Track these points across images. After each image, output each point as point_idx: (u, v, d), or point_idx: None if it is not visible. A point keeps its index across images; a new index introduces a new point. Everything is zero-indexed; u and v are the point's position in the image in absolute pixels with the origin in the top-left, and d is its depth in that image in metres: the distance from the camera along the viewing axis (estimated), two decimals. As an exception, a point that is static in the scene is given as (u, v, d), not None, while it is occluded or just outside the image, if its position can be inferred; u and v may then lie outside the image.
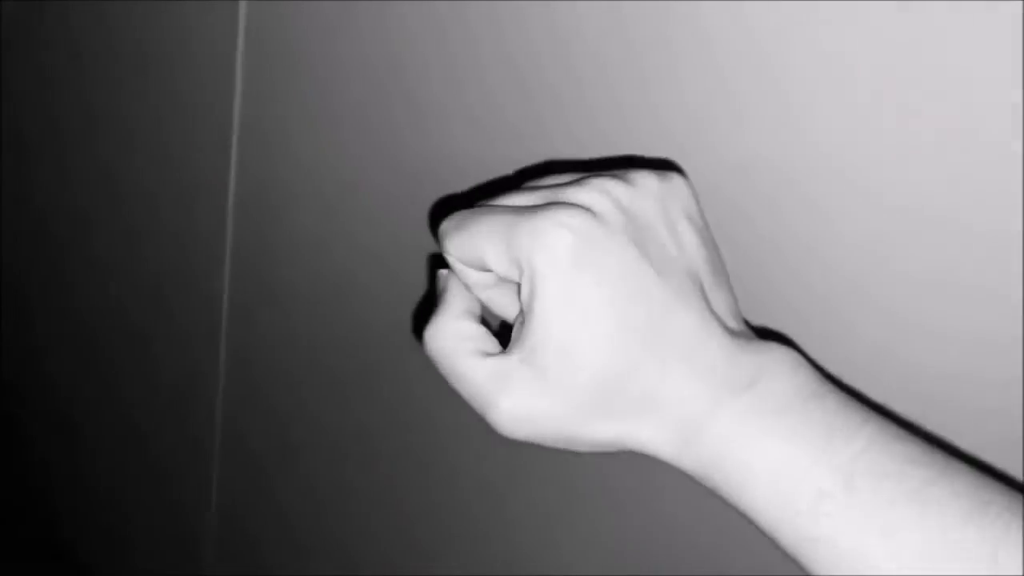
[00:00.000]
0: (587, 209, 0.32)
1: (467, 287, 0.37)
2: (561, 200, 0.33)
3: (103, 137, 0.77)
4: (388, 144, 0.57)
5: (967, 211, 0.37)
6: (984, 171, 0.36)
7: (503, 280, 0.36)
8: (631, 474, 0.53)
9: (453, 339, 0.35)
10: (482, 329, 0.36)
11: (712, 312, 0.33)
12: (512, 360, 0.33)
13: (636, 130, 0.45)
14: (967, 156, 0.36)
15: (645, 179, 0.34)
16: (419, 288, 0.59)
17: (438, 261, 0.38)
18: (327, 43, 0.57)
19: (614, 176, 0.34)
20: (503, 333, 0.36)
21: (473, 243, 0.34)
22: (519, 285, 0.33)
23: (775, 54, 0.39)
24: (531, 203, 0.34)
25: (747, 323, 0.37)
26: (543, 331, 0.32)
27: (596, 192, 0.33)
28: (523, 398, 0.32)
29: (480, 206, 0.36)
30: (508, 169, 0.51)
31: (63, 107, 0.80)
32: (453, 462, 0.64)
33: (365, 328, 0.65)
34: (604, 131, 0.46)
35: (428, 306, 0.47)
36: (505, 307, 0.38)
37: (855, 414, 0.31)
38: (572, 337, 0.31)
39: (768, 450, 0.30)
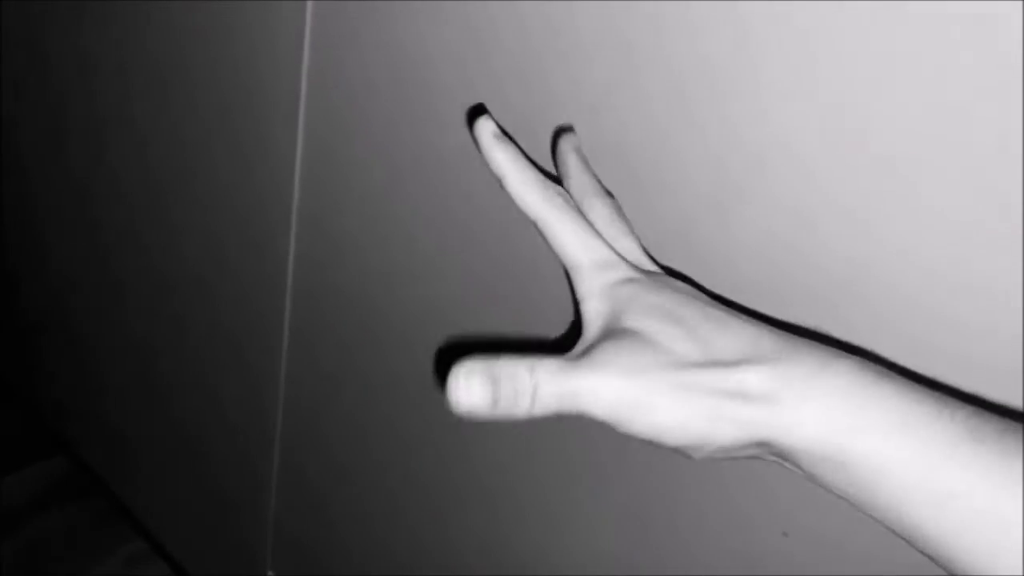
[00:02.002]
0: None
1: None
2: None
3: (176, 115, 0.81)
4: (447, 133, 0.57)
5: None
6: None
7: None
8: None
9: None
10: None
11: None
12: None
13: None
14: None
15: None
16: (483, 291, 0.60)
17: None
18: (393, 39, 0.57)
19: None
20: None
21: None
22: None
23: (805, 53, 0.39)
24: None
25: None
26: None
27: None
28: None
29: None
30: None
31: (141, 89, 0.83)
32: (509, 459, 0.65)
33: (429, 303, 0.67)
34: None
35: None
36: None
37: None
38: None
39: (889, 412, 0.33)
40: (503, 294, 0.60)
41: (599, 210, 0.44)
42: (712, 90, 0.44)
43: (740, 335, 0.37)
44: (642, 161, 0.48)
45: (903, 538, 0.33)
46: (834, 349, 0.36)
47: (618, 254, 0.41)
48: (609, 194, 0.46)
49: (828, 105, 0.40)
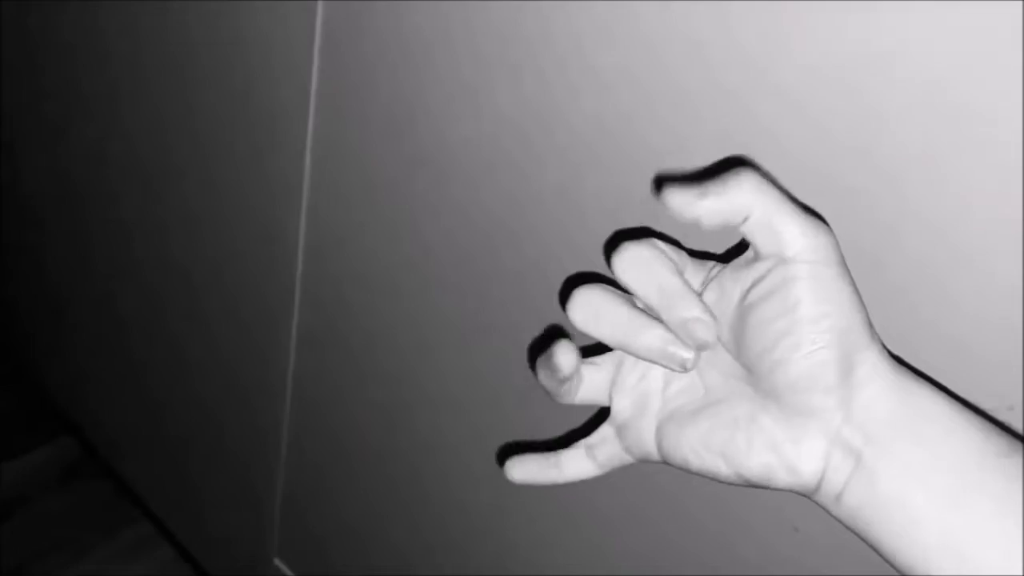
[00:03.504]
0: None
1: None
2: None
3: (193, 106, 0.81)
4: (460, 141, 0.57)
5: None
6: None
7: None
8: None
9: None
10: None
11: None
12: None
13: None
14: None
15: None
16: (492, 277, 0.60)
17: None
18: (403, 42, 0.57)
19: None
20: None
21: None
22: None
23: (862, 66, 0.40)
24: None
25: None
26: None
27: None
28: None
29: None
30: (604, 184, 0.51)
31: (160, 84, 0.84)
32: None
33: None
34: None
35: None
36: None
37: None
38: None
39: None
40: (508, 283, 0.60)
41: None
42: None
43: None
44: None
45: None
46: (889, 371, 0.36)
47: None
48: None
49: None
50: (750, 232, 0.36)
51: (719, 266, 0.41)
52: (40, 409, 1.46)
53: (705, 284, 0.40)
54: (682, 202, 0.35)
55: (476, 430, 0.69)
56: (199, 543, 1.29)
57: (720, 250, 0.47)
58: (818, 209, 0.40)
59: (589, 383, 0.43)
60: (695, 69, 0.44)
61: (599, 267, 0.53)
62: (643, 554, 0.61)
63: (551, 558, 0.69)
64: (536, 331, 0.59)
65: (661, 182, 0.40)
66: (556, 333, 0.57)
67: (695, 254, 0.43)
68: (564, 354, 0.40)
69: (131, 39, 0.83)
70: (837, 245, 0.36)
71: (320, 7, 0.63)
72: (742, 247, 0.39)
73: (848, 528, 0.36)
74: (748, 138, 0.44)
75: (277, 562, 1.06)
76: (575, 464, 0.43)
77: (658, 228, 0.49)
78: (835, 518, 0.37)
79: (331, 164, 0.69)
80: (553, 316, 0.57)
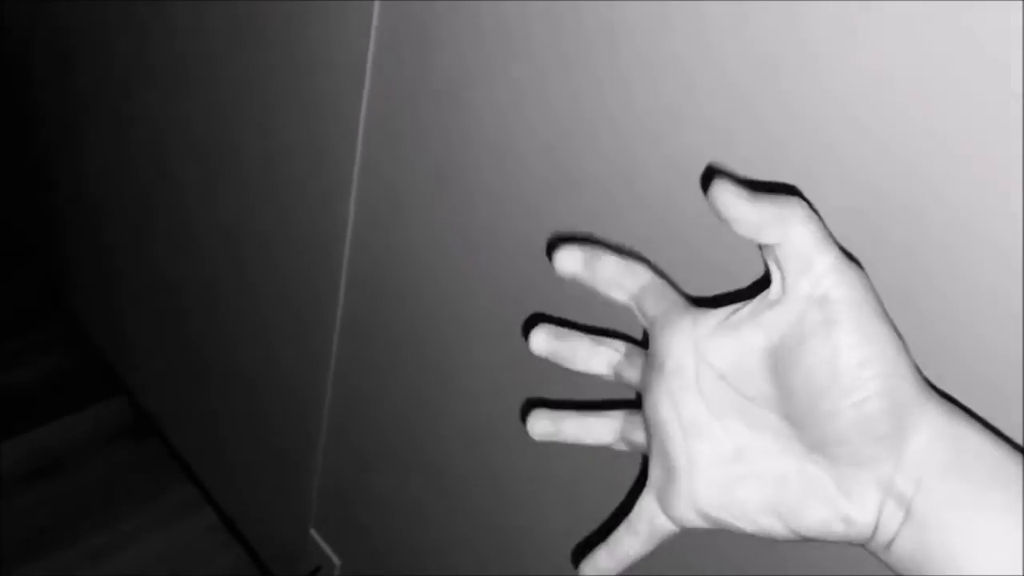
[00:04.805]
0: None
1: None
2: None
3: (253, 76, 0.83)
4: (515, 141, 0.57)
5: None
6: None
7: None
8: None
9: None
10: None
11: None
12: None
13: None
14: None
15: None
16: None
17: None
18: (456, 45, 0.57)
19: None
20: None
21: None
22: None
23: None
24: None
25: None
26: None
27: None
28: None
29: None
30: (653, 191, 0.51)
31: (226, 75, 0.86)
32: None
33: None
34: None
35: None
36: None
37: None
38: None
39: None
40: (551, 275, 0.60)
41: None
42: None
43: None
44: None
45: None
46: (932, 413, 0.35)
47: None
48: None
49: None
50: (783, 258, 0.35)
51: (728, 310, 0.39)
52: (95, 370, 1.50)
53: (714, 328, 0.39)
54: (730, 198, 0.34)
55: (516, 419, 0.69)
56: (239, 510, 1.32)
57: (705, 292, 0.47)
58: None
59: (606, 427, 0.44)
60: (759, 80, 0.44)
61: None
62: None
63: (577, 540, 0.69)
64: (578, 319, 0.59)
65: (712, 174, 0.39)
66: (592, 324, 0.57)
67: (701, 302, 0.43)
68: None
69: (197, 15, 0.85)
70: (871, 284, 0.35)
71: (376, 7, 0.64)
72: (735, 296, 0.38)
73: (898, 574, 0.35)
74: (805, 148, 0.43)
75: (313, 533, 1.08)
76: (627, 543, 0.42)
77: (694, 235, 0.48)
78: (884, 564, 0.36)
79: (381, 152, 0.70)
80: (595, 304, 0.58)
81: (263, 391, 1.07)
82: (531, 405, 0.45)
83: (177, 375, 1.29)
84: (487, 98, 0.59)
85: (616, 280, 0.41)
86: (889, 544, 0.35)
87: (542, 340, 0.44)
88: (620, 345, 0.44)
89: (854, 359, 0.33)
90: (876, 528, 0.35)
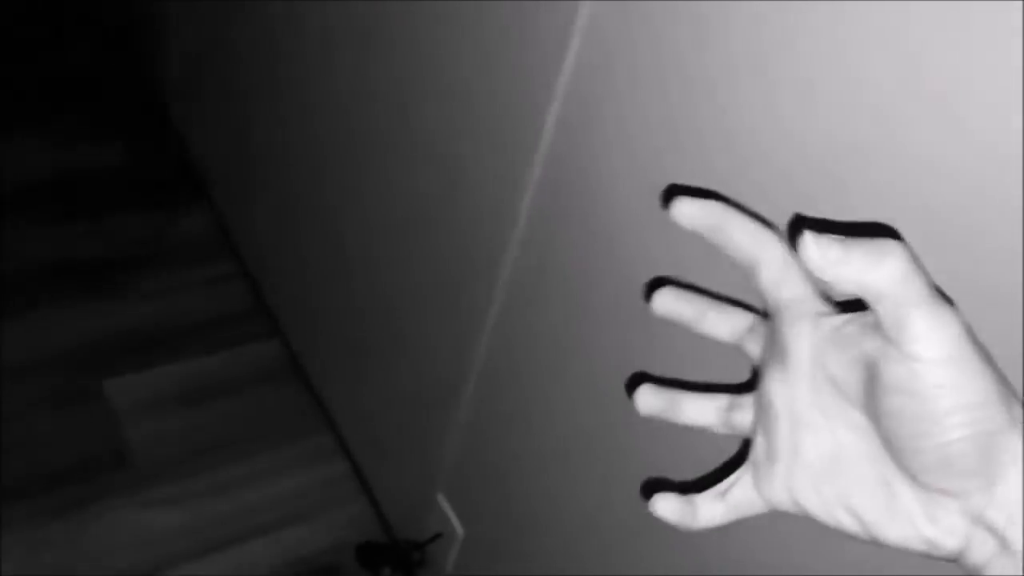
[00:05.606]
0: None
1: None
2: None
3: (446, 57, 0.86)
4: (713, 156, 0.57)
5: None
6: None
7: None
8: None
9: None
10: None
11: None
12: None
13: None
14: None
15: None
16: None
17: None
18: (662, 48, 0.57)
19: None
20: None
21: None
22: None
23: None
24: None
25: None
26: None
27: None
28: None
29: None
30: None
31: (420, 68, 0.89)
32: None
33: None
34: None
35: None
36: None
37: None
38: None
39: None
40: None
41: None
42: None
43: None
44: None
45: None
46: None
47: None
48: None
49: None
50: (880, 314, 0.35)
51: (844, 318, 0.39)
52: (258, 312, 1.57)
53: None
54: (822, 257, 0.34)
55: (658, 432, 0.69)
56: (372, 465, 1.36)
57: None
58: None
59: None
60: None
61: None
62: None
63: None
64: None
65: (800, 224, 0.38)
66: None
67: None
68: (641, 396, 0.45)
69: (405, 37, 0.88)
70: (967, 329, 0.34)
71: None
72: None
73: None
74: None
75: (441, 499, 1.10)
76: (707, 508, 0.43)
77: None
78: None
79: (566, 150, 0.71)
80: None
81: (414, 358, 1.10)
82: (637, 380, 0.46)
83: (333, 329, 1.34)
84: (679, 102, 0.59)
85: (752, 253, 0.41)
86: (983, 568, 0.35)
87: (668, 298, 0.45)
88: (746, 317, 0.45)
89: (944, 407, 0.34)
90: (964, 552, 0.35)
